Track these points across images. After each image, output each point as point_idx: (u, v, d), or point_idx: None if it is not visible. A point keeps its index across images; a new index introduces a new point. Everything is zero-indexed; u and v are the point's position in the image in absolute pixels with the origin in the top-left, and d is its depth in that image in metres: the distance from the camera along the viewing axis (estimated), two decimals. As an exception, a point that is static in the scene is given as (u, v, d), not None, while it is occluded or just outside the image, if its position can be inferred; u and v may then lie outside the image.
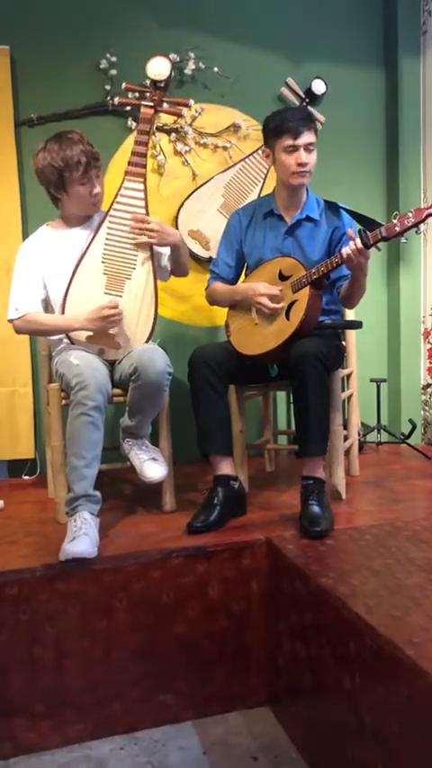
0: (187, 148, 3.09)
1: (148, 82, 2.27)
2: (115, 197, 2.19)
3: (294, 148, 2.10)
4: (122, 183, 2.20)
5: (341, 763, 1.45)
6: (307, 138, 2.10)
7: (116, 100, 2.54)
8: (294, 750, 1.67)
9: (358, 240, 1.92)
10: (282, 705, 1.82)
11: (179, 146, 3.08)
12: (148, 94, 2.25)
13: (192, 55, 3.02)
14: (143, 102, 2.24)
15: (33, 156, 2.13)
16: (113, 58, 2.92)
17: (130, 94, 2.62)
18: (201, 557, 1.82)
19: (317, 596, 1.56)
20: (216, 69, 3.07)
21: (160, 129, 3.04)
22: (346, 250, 1.93)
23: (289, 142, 2.09)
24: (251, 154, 3.07)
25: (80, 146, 2.07)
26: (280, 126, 2.10)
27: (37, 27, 2.87)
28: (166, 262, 2.28)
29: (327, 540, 1.86)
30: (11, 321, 2.18)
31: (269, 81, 3.18)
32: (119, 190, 2.19)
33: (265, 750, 1.68)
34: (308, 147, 2.11)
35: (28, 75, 2.86)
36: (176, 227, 3.05)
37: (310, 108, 3.20)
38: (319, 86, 3.21)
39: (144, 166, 2.20)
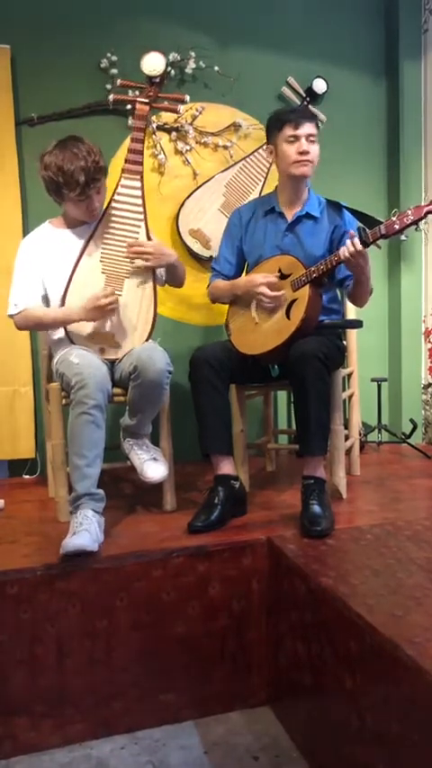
0: (188, 147, 3.08)
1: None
2: (112, 195, 2.19)
3: (295, 138, 2.12)
4: (119, 180, 2.19)
5: (342, 762, 1.45)
6: (308, 128, 2.12)
7: (111, 97, 2.54)
8: (295, 750, 1.67)
9: (356, 241, 1.92)
10: (282, 705, 1.82)
11: (180, 145, 3.07)
12: (143, 91, 2.25)
13: (192, 54, 3.02)
14: (138, 99, 2.24)
15: (40, 157, 2.08)
16: (114, 58, 2.92)
17: (130, 92, 2.62)
18: (201, 556, 1.82)
19: (317, 596, 1.56)
20: (217, 68, 3.07)
21: (161, 129, 3.04)
22: (343, 251, 1.94)
23: (290, 132, 2.12)
24: (252, 153, 3.07)
25: (82, 162, 2.00)
26: (281, 119, 2.15)
27: (38, 26, 2.87)
28: (161, 271, 2.27)
29: (327, 539, 1.86)
30: (11, 317, 2.18)
31: (270, 80, 3.18)
32: (116, 188, 2.19)
33: (265, 750, 1.68)
34: (309, 138, 2.13)
35: (29, 75, 2.86)
36: (177, 227, 3.05)
37: (311, 108, 3.22)
38: (319, 85, 3.22)
39: (140, 164, 2.20)
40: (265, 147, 2.26)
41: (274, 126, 2.17)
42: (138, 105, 2.22)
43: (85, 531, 1.76)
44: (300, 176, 2.18)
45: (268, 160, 2.39)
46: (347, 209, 2.21)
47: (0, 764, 1.67)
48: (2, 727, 1.68)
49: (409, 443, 3.17)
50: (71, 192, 2.05)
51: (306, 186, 2.26)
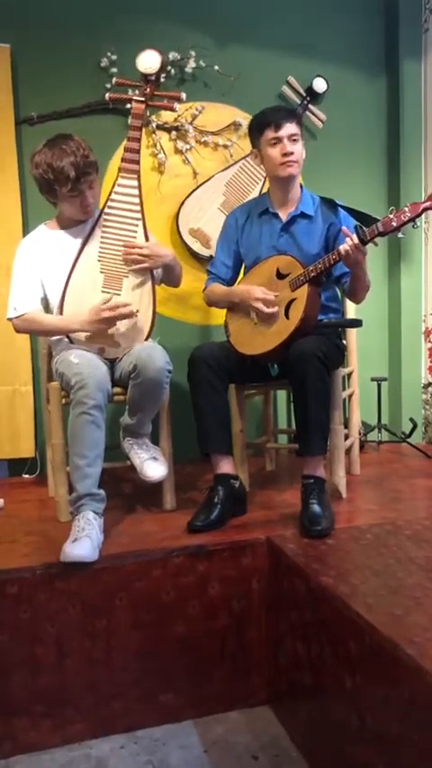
0: (188, 147, 3.08)
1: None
2: (110, 194, 2.18)
3: (278, 140, 2.12)
4: (116, 180, 2.19)
5: (341, 762, 1.45)
6: (289, 129, 2.11)
7: (107, 96, 2.54)
8: (295, 749, 1.67)
9: (354, 237, 1.92)
10: (282, 704, 1.82)
11: (180, 144, 3.07)
12: (139, 89, 2.25)
13: (192, 53, 3.02)
14: (134, 97, 2.23)
15: (30, 158, 2.10)
16: (114, 57, 2.92)
17: (130, 91, 2.62)
18: (201, 556, 1.82)
19: (317, 595, 1.56)
20: (217, 68, 3.07)
21: (161, 128, 3.04)
22: (343, 246, 1.93)
23: (271, 135, 2.12)
24: (251, 153, 3.07)
25: (72, 157, 2.01)
26: (261, 122, 2.14)
27: (38, 25, 2.86)
28: (158, 270, 2.27)
29: (327, 539, 1.86)
30: (10, 320, 2.18)
31: (270, 79, 3.18)
32: (113, 187, 2.18)
33: (265, 749, 1.68)
34: (291, 138, 2.12)
35: (29, 74, 2.86)
36: (177, 226, 3.05)
37: (311, 107, 3.22)
38: (320, 84, 3.21)
39: (137, 162, 2.19)
40: (250, 153, 2.26)
41: (255, 130, 2.18)
42: (134, 103, 2.21)
43: (87, 537, 1.75)
44: (287, 177, 2.17)
45: (257, 165, 2.40)
46: (342, 206, 2.21)
47: (0, 764, 1.67)
48: (2, 726, 1.68)
49: (408, 443, 3.17)
50: (62, 187, 2.05)
51: (298, 185, 2.25)
